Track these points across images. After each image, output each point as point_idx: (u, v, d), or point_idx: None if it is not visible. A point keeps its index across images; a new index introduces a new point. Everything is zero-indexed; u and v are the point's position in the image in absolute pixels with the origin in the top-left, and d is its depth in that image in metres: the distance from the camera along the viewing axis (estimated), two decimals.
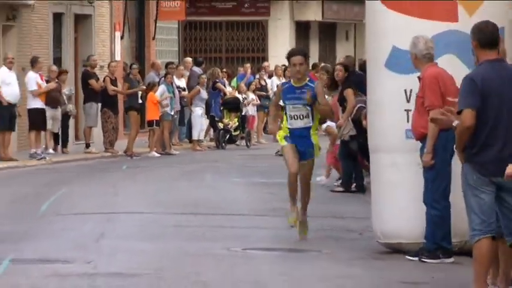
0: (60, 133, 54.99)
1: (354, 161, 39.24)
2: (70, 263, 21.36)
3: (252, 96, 62.55)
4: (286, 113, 17.75)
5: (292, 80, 18.54)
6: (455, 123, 15.74)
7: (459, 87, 16.83)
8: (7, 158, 44.87)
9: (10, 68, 49.25)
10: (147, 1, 64.18)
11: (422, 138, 21.53)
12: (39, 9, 54.84)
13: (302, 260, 21.26)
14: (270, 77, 63.91)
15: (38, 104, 49.21)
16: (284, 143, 18.94)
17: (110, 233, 26.83)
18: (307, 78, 19.07)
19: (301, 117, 17.59)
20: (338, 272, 19.24)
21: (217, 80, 63.67)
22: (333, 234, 25.72)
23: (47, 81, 55.72)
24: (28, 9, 54.25)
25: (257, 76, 64.50)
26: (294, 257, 21.58)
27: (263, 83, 63.08)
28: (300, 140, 17.62)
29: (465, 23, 20.17)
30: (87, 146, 54.59)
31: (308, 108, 18.19)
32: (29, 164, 46.29)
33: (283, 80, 61.03)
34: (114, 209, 33.48)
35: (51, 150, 53.21)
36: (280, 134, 18.91)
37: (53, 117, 54.77)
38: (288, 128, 17.66)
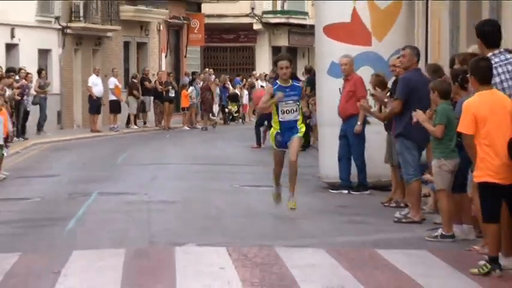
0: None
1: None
2: (134, 194, 22.36)
3: (245, 92, 63.22)
4: (277, 109, 15.43)
5: (279, 81, 15.99)
6: (386, 99, 18.39)
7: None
8: (95, 130, 45.86)
9: (97, 75, 49.90)
10: (181, 33, 64.88)
11: (348, 117, 22.52)
12: (115, 39, 55.38)
13: None
14: (256, 80, 65.05)
15: (114, 97, 49.15)
16: (274, 145, 16.23)
17: (159, 176, 27.28)
18: (292, 79, 16.17)
19: (292, 111, 15.22)
20: (299, 200, 18.71)
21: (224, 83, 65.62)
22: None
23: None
24: (109, 39, 55.12)
25: (249, 79, 65.20)
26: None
27: (253, 84, 63.82)
28: (289, 129, 15.31)
29: (376, 46, 22.42)
30: (144, 123, 55.14)
31: (297, 103, 15.61)
32: (109, 134, 46.99)
33: (265, 82, 62.49)
34: (161, 161, 33.62)
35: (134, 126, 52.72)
36: (272, 133, 16.18)
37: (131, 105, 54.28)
38: (279, 121, 15.35)
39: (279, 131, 14.36)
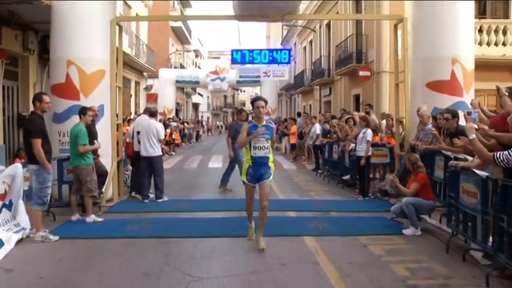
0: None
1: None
2: (216, 154, 24.74)
3: None
4: (250, 145, 7.71)
5: (254, 120, 7.97)
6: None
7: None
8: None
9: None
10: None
11: None
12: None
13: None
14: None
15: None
16: (245, 179, 7.76)
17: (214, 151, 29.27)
18: (266, 119, 8.04)
19: (263, 148, 7.59)
20: None
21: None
22: None
23: None
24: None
25: None
26: None
27: None
28: (261, 166, 7.61)
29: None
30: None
31: (268, 141, 7.77)
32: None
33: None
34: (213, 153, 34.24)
35: None
36: (245, 167, 7.91)
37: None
38: (252, 156, 7.68)
39: (251, 164, 7.72)
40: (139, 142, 10.89)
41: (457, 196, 6.55)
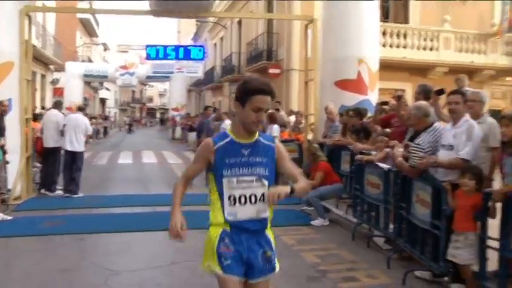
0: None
1: None
2: (125, 150, 25.93)
3: None
4: (221, 194, 2.19)
5: (232, 132, 2.16)
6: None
7: None
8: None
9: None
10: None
11: None
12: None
13: None
14: None
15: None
16: (219, 269, 2.20)
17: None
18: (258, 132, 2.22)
19: (253, 199, 2.07)
20: None
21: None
22: None
23: None
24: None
25: None
26: None
27: None
28: (251, 235, 2.18)
29: None
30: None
31: (265, 182, 2.11)
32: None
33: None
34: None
35: None
36: (213, 237, 2.34)
37: None
38: (228, 222, 2.18)
39: (228, 230, 2.35)
40: (62, 135, 10.81)
41: (362, 188, 7.05)
